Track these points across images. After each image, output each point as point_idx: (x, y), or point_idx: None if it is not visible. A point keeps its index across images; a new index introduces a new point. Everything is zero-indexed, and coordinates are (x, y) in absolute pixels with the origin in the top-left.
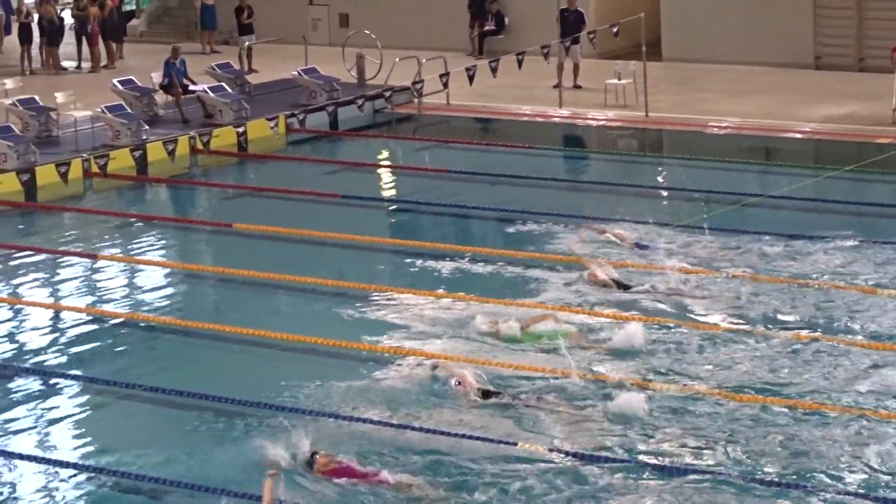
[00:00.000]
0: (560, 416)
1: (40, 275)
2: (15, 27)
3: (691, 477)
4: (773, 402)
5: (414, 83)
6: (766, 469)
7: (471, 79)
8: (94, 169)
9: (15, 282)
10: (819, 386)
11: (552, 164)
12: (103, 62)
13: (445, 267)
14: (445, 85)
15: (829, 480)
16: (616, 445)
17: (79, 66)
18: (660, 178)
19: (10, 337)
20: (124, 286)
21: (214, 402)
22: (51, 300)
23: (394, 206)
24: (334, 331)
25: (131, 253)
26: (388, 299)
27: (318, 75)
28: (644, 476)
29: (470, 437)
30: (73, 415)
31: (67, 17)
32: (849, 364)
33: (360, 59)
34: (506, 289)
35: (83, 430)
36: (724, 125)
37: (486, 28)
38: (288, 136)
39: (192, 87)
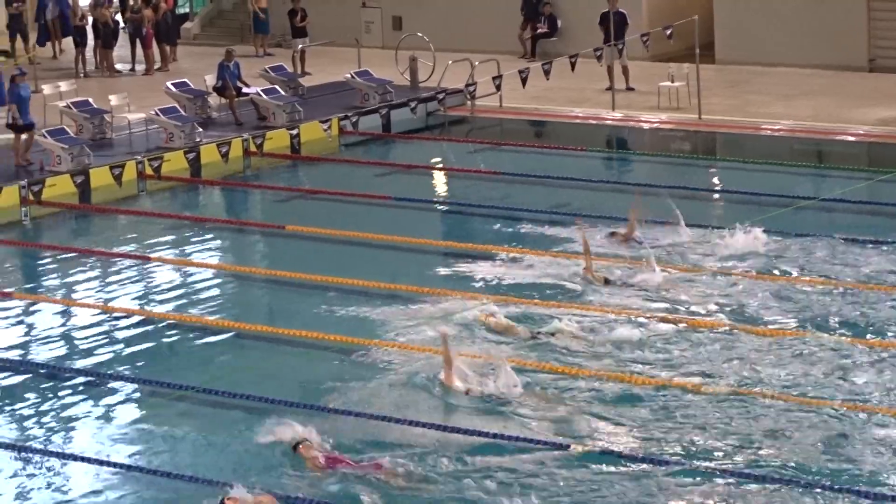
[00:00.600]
0: (545, 410)
1: (93, 276)
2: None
3: (664, 469)
4: (717, 391)
5: (467, 85)
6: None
7: (524, 81)
8: (148, 171)
9: (68, 283)
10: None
11: (605, 166)
12: (157, 65)
13: (496, 269)
14: (498, 87)
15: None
16: (608, 438)
17: (132, 69)
18: (713, 181)
19: (64, 338)
20: (177, 288)
21: (266, 404)
22: (103, 302)
23: (446, 209)
24: (386, 332)
25: (184, 255)
26: (439, 301)
27: (371, 78)
28: (617, 467)
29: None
30: (125, 416)
31: (121, 20)
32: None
33: (413, 62)
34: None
35: (134, 431)
36: (777, 128)
37: (539, 30)
38: (341, 139)
39: (245, 90)
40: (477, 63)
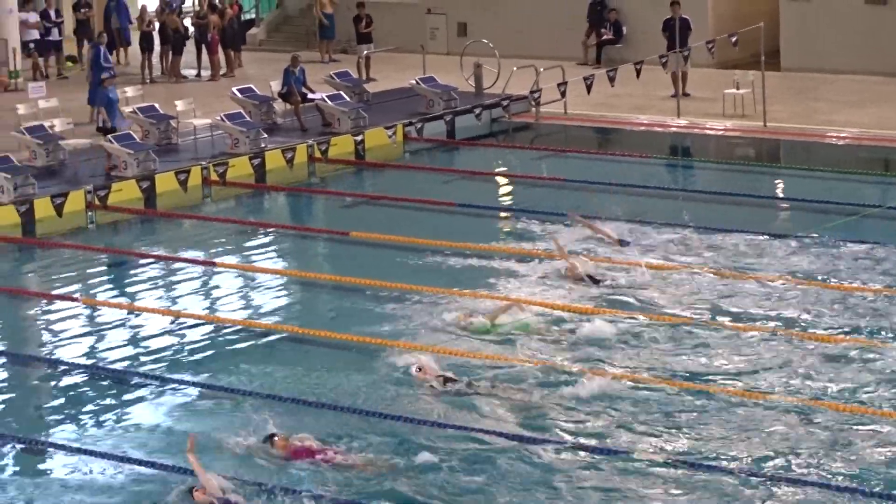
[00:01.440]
0: (514, 403)
1: (159, 281)
2: (135, 37)
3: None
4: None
5: (531, 92)
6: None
7: (588, 88)
8: (213, 177)
9: (134, 288)
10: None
11: (669, 173)
12: (222, 70)
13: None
14: (563, 94)
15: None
16: (570, 429)
17: (198, 75)
18: (777, 188)
19: (130, 343)
20: (242, 293)
21: (330, 411)
22: (169, 307)
23: (509, 215)
24: (451, 339)
25: (249, 260)
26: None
27: (436, 84)
28: (585, 458)
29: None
30: (190, 421)
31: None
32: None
33: (478, 68)
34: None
35: (198, 436)
36: (842, 135)
37: (605, 37)
38: (405, 145)
39: (310, 96)
40: (542, 69)
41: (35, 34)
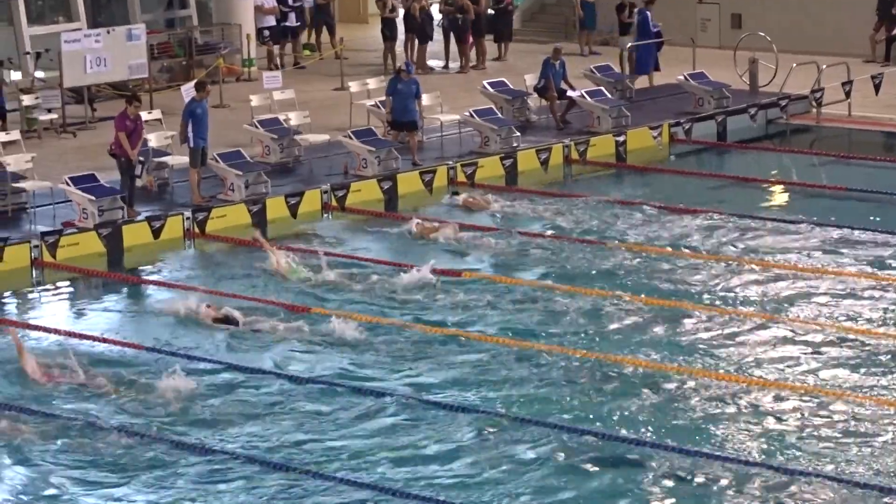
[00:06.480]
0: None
1: (388, 290)
2: (376, 23)
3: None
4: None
5: (812, 91)
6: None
7: (877, 87)
8: (461, 178)
9: (365, 298)
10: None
11: None
12: (473, 62)
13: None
14: (848, 94)
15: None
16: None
17: (446, 66)
18: None
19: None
20: (494, 305)
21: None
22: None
23: (780, 225)
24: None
25: (500, 271)
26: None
27: (707, 81)
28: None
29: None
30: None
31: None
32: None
33: (754, 64)
34: None
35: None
36: None
37: (895, 32)
38: (671, 147)
39: (568, 93)
40: (824, 66)
41: (271, 20)
